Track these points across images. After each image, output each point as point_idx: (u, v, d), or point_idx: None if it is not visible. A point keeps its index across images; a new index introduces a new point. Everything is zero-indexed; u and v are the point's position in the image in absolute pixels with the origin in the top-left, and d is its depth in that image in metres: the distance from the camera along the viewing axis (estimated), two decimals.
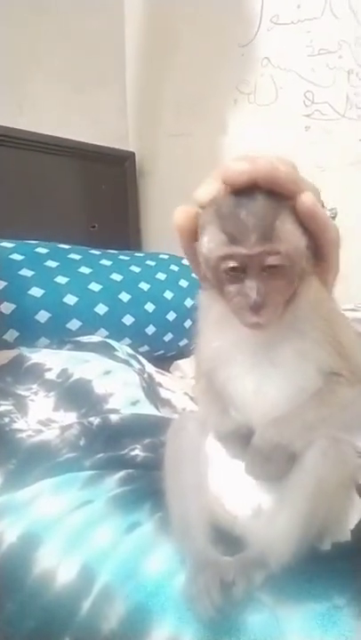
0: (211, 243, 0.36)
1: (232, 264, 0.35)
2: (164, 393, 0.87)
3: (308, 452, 0.36)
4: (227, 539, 0.39)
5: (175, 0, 1.68)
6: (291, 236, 0.35)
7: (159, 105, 1.76)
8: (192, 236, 0.39)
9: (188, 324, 1.28)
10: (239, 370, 0.39)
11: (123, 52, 1.81)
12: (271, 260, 0.35)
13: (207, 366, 0.42)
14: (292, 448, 0.36)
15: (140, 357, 0.98)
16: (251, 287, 0.35)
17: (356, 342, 0.40)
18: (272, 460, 0.37)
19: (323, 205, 0.38)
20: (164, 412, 0.78)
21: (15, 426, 0.65)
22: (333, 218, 0.39)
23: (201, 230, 0.37)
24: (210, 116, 1.63)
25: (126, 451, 0.57)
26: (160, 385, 0.89)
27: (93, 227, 1.63)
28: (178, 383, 0.96)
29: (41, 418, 0.69)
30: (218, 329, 0.40)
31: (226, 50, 1.56)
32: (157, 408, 0.77)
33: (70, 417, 0.68)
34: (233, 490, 0.39)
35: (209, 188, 0.37)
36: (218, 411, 0.41)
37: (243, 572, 0.35)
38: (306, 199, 0.36)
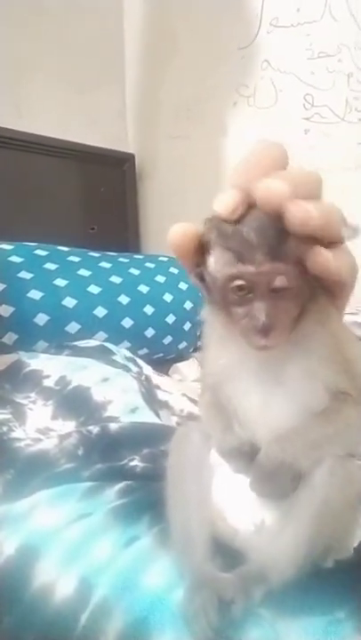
0: (217, 263, 0.35)
1: (239, 283, 0.34)
2: (161, 395, 0.87)
3: (315, 470, 0.36)
4: (226, 552, 0.39)
5: (175, 2, 1.67)
6: (298, 253, 0.34)
7: (159, 107, 1.75)
8: (193, 255, 0.37)
9: (187, 326, 1.28)
10: (245, 386, 0.39)
11: (122, 53, 1.80)
12: (279, 282, 0.34)
13: (212, 380, 0.41)
14: (297, 466, 0.36)
15: (138, 360, 0.98)
16: (259, 309, 0.34)
17: None
18: (276, 478, 0.36)
19: (345, 224, 0.37)
20: (162, 415, 0.78)
21: (13, 435, 0.65)
22: (355, 236, 0.37)
23: (206, 249, 0.36)
24: (209, 118, 1.63)
25: (125, 461, 0.57)
26: (158, 387, 0.89)
27: (93, 229, 1.62)
28: (176, 385, 0.96)
29: (39, 426, 0.69)
30: (223, 345, 0.40)
31: (225, 52, 1.55)
32: (157, 413, 0.77)
33: (69, 425, 0.68)
34: (236, 503, 0.39)
35: (230, 200, 0.34)
36: (221, 427, 0.40)
37: (242, 589, 0.34)
38: (316, 256, 0.34)
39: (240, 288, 0.35)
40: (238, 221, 0.34)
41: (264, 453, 0.37)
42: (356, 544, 0.39)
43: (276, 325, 0.35)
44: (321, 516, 0.35)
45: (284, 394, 0.38)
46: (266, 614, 0.35)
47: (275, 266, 0.34)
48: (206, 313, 0.41)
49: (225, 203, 0.34)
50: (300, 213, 0.33)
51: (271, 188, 0.33)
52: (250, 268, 0.34)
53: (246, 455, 0.38)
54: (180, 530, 0.39)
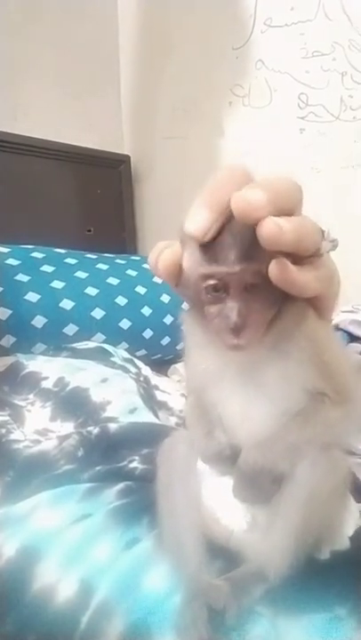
0: (191, 259, 0.35)
1: (212, 282, 0.34)
2: (160, 395, 0.87)
3: (298, 463, 0.36)
4: (223, 554, 0.39)
5: (169, 3, 1.67)
6: (272, 255, 0.34)
7: (154, 108, 1.75)
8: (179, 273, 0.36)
9: None
10: (226, 392, 0.39)
11: (117, 55, 1.80)
12: (253, 279, 0.34)
13: (195, 385, 0.42)
14: (277, 470, 0.36)
15: (136, 360, 0.98)
16: (231, 308, 0.34)
17: (342, 361, 0.39)
18: (257, 484, 0.37)
19: (323, 236, 0.36)
20: (161, 415, 0.78)
21: (12, 437, 0.64)
22: (333, 249, 0.37)
23: (182, 246, 0.36)
24: (205, 118, 1.63)
25: (125, 463, 0.57)
26: (157, 387, 0.89)
27: (89, 231, 1.62)
28: (175, 386, 0.96)
29: (38, 428, 0.69)
30: (203, 351, 0.39)
31: (220, 52, 1.55)
32: (156, 414, 0.77)
33: (67, 427, 0.68)
34: (227, 504, 0.39)
35: (201, 219, 0.33)
36: (202, 433, 0.40)
37: (234, 596, 0.34)
38: (279, 268, 0.33)
39: (214, 288, 0.35)
40: None
41: (243, 460, 0.37)
42: (350, 533, 0.39)
43: (249, 324, 0.34)
44: (308, 507, 0.36)
45: (263, 398, 0.38)
46: (266, 612, 0.35)
47: (247, 267, 0.34)
48: (185, 316, 0.40)
49: (196, 224, 0.33)
50: (273, 230, 0.32)
51: (248, 199, 0.32)
52: (223, 268, 0.34)
53: (227, 459, 0.38)
54: (171, 541, 0.39)
